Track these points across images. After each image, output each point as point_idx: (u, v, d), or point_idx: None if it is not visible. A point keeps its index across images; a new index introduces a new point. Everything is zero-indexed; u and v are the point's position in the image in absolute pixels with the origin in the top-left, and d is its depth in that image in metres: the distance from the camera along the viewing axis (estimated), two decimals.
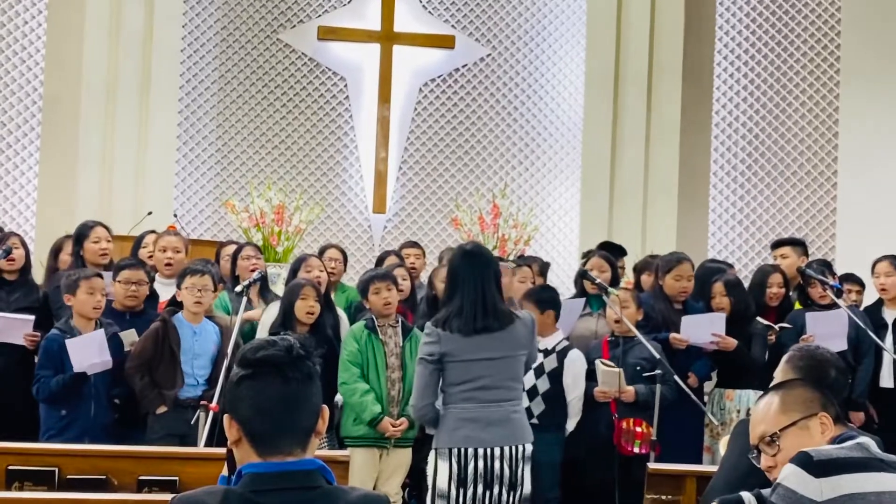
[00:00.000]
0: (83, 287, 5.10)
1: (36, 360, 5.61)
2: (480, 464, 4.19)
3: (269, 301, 5.96)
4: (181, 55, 9.63)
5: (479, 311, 4.23)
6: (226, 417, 2.13)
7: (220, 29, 9.93)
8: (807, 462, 2.45)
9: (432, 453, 4.32)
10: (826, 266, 6.75)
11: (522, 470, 4.25)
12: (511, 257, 8.57)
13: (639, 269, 6.83)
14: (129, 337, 5.25)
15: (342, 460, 4.16)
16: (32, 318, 5.47)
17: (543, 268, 7.07)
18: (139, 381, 5.11)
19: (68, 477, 3.98)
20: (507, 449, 4.22)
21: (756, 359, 5.74)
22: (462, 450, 4.19)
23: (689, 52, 9.95)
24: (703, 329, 5.82)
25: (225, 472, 2.25)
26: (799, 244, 6.99)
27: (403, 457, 5.46)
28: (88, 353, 5.00)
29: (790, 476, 2.45)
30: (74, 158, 9.17)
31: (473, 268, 4.29)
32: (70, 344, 5.01)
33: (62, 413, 5.06)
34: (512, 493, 4.24)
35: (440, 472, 4.24)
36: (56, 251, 6.21)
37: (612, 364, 5.58)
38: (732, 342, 5.78)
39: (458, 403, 4.23)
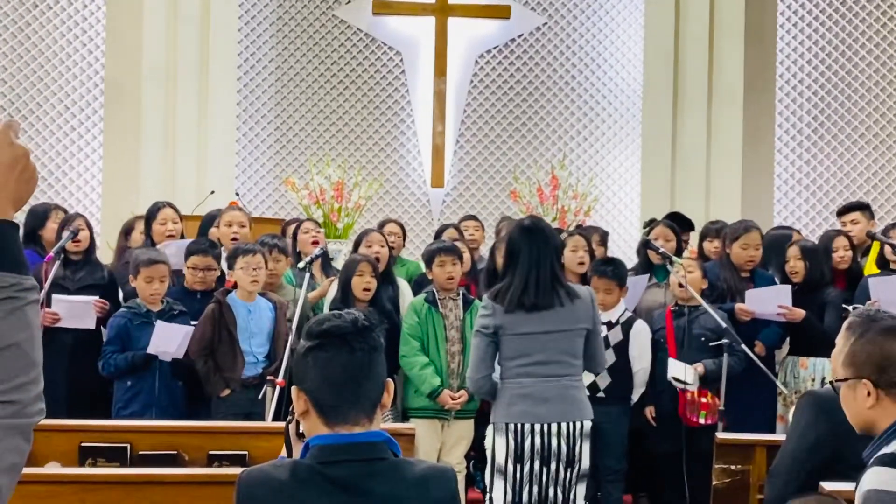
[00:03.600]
0: (142, 274, 5.22)
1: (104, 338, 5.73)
2: (537, 440, 4.16)
3: (330, 276, 6.01)
4: (238, 35, 9.70)
5: (531, 289, 4.17)
6: (294, 389, 2.16)
7: (276, 7, 9.97)
8: (892, 460, 2.39)
9: (490, 427, 4.31)
10: None
11: (580, 447, 4.20)
12: (571, 228, 8.51)
13: (702, 236, 6.73)
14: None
15: (407, 433, 4.18)
16: (94, 298, 5.57)
17: (604, 238, 6.99)
18: (203, 365, 5.18)
19: (140, 453, 4.05)
20: (563, 425, 4.17)
21: (828, 328, 5.62)
22: (518, 425, 4.17)
23: (751, 11, 9.73)
24: (769, 302, 5.71)
25: (283, 452, 2.27)
26: (867, 208, 6.84)
27: (465, 428, 5.47)
28: (170, 341, 5.09)
29: (884, 479, 2.36)
30: (137, 140, 9.30)
31: (531, 244, 4.23)
32: (159, 325, 5.09)
33: (128, 384, 5.18)
34: (570, 470, 4.19)
35: (498, 446, 4.22)
36: (127, 231, 6.35)
37: (682, 380, 5.46)
38: (800, 313, 5.66)
39: (514, 378, 4.21)
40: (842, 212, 6.91)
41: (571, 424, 4.18)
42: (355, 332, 2.13)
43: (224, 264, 5.75)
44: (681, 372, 5.43)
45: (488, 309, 4.25)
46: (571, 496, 4.22)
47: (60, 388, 5.58)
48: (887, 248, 6.03)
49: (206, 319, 5.23)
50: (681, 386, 5.46)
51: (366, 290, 5.43)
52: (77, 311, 5.54)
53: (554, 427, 4.16)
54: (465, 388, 5.33)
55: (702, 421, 5.45)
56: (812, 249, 5.94)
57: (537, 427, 4.16)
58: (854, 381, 2.54)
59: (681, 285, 5.60)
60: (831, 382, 2.63)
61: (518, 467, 4.16)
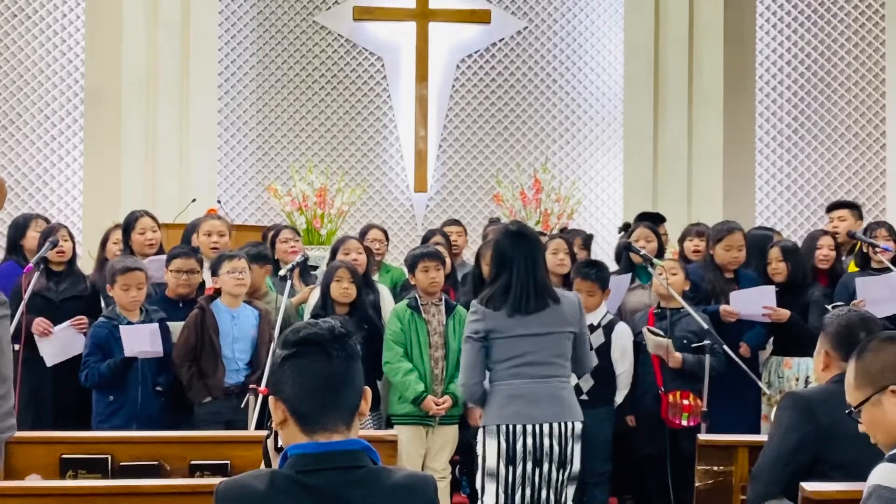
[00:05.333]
0: (119, 282, 5.18)
1: None
2: (529, 441, 4.15)
3: (309, 284, 6.00)
4: (219, 42, 9.68)
5: (531, 292, 4.20)
6: (271, 399, 2.15)
7: (257, 14, 9.96)
8: None
9: (480, 431, 4.30)
10: (891, 230, 6.60)
11: (572, 448, 4.20)
12: (554, 231, 8.52)
13: (681, 238, 6.74)
14: (178, 330, 5.32)
15: (390, 439, 4.16)
16: (69, 322, 5.53)
17: (587, 241, 7.00)
18: (186, 371, 5.17)
19: (121, 464, 4.02)
20: (556, 426, 4.17)
21: (812, 327, 5.63)
22: (510, 427, 4.16)
23: (730, 13, 9.78)
24: (754, 303, 5.73)
25: (262, 467, 2.26)
26: (855, 207, 6.87)
27: (450, 433, 5.46)
28: (140, 341, 5.07)
29: (889, 475, 2.37)
30: (118, 148, 9.27)
31: (520, 247, 4.26)
32: (124, 331, 5.08)
33: (110, 399, 5.14)
34: (561, 471, 4.19)
35: (489, 450, 4.21)
36: (105, 241, 6.28)
37: (659, 332, 5.51)
38: (785, 314, 5.68)
39: (505, 380, 4.20)
40: (830, 208, 6.94)
41: (563, 425, 4.18)
42: (332, 339, 2.13)
43: (206, 272, 5.73)
44: (655, 334, 5.46)
45: (478, 314, 4.25)
46: (563, 498, 4.21)
47: (45, 401, 5.56)
48: (872, 249, 6.04)
49: (189, 325, 5.22)
50: (656, 339, 5.45)
51: (344, 294, 5.42)
52: (65, 342, 5.49)
53: (546, 427, 4.16)
54: (449, 393, 5.33)
55: (684, 423, 5.46)
56: (793, 250, 5.95)
57: (529, 428, 4.15)
58: (877, 395, 2.52)
59: (664, 294, 5.61)
60: (849, 413, 2.60)
61: (510, 469, 4.15)
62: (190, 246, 5.81)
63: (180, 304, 5.48)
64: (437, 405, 5.30)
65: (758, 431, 5.51)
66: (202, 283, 5.71)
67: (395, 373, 5.34)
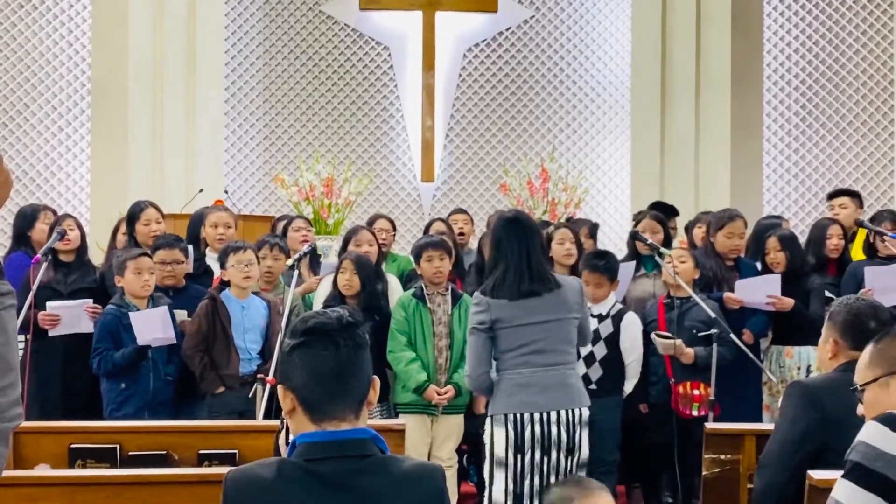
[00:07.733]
0: (130, 267, 5.20)
1: None
2: (537, 429, 4.17)
3: (317, 274, 6.02)
4: (225, 32, 9.68)
5: (524, 275, 4.22)
6: (280, 388, 2.16)
7: (263, 3, 9.95)
8: (891, 420, 2.42)
9: (488, 420, 4.31)
10: None
11: (580, 435, 4.22)
12: (561, 220, 8.51)
13: (689, 227, 6.73)
14: (180, 317, 5.32)
15: (398, 429, 4.17)
16: (89, 301, 5.55)
17: (593, 230, 6.98)
18: (198, 362, 5.17)
19: (130, 453, 4.04)
20: (563, 413, 4.19)
21: (814, 315, 5.63)
22: (518, 415, 4.18)
23: (738, 2, 9.75)
24: (759, 292, 5.72)
25: None
26: (856, 195, 6.87)
27: (454, 423, 5.46)
28: (152, 327, 5.09)
29: (872, 433, 2.42)
30: (125, 139, 9.28)
31: (516, 234, 4.28)
32: (134, 317, 5.09)
33: (122, 387, 5.16)
34: (570, 459, 4.21)
35: (497, 439, 4.23)
36: (115, 232, 6.30)
37: (668, 335, 5.51)
38: (789, 303, 5.67)
39: (512, 369, 4.21)
40: (832, 196, 6.93)
41: (570, 412, 4.19)
42: (340, 328, 2.13)
43: (212, 263, 5.75)
44: (664, 338, 5.47)
45: (482, 305, 4.26)
46: None
47: (54, 391, 5.57)
48: (879, 238, 6.03)
49: (201, 315, 5.22)
50: (666, 342, 5.46)
51: (347, 286, 5.43)
52: (71, 317, 5.51)
53: (553, 415, 4.17)
54: (452, 383, 5.34)
55: (695, 413, 5.45)
56: (790, 238, 5.94)
57: (536, 416, 4.17)
58: (887, 377, 2.55)
59: (676, 276, 5.60)
60: (853, 389, 2.62)
61: (519, 458, 4.17)
62: (175, 235, 5.83)
63: (170, 293, 5.49)
64: (439, 395, 5.31)
65: (759, 420, 5.52)
66: (209, 272, 5.73)
67: (398, 362, 5.34)
